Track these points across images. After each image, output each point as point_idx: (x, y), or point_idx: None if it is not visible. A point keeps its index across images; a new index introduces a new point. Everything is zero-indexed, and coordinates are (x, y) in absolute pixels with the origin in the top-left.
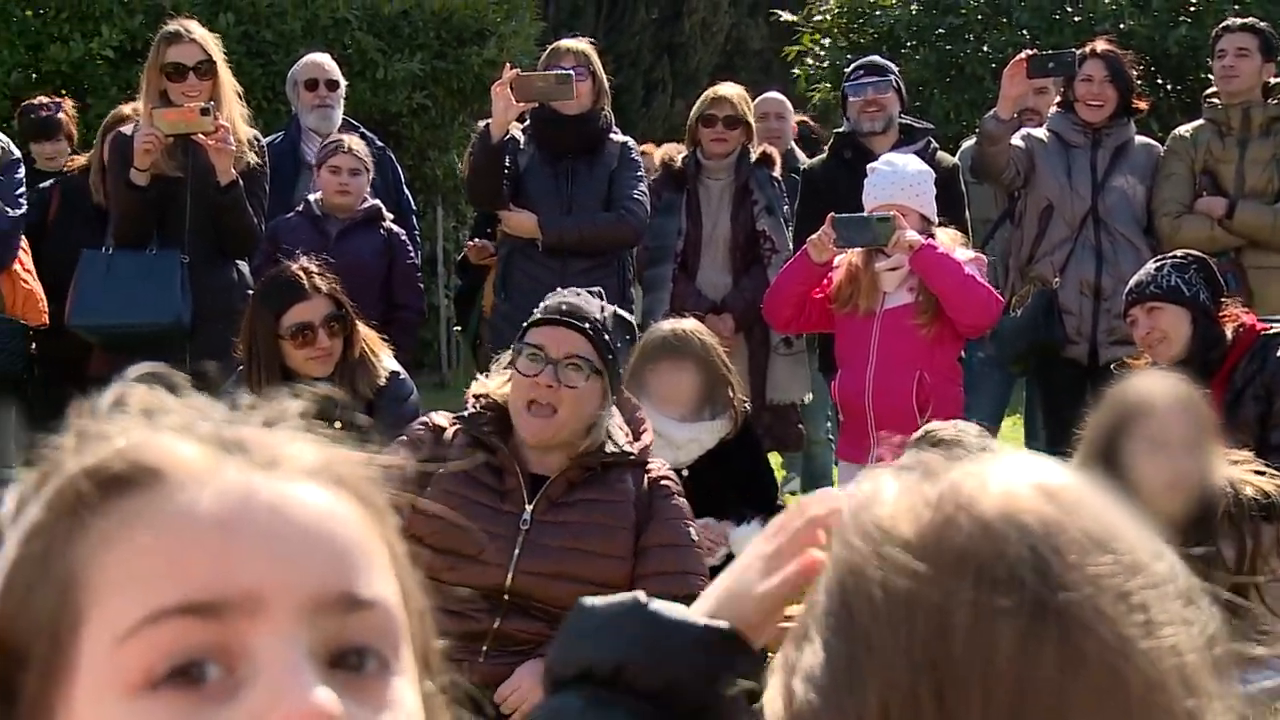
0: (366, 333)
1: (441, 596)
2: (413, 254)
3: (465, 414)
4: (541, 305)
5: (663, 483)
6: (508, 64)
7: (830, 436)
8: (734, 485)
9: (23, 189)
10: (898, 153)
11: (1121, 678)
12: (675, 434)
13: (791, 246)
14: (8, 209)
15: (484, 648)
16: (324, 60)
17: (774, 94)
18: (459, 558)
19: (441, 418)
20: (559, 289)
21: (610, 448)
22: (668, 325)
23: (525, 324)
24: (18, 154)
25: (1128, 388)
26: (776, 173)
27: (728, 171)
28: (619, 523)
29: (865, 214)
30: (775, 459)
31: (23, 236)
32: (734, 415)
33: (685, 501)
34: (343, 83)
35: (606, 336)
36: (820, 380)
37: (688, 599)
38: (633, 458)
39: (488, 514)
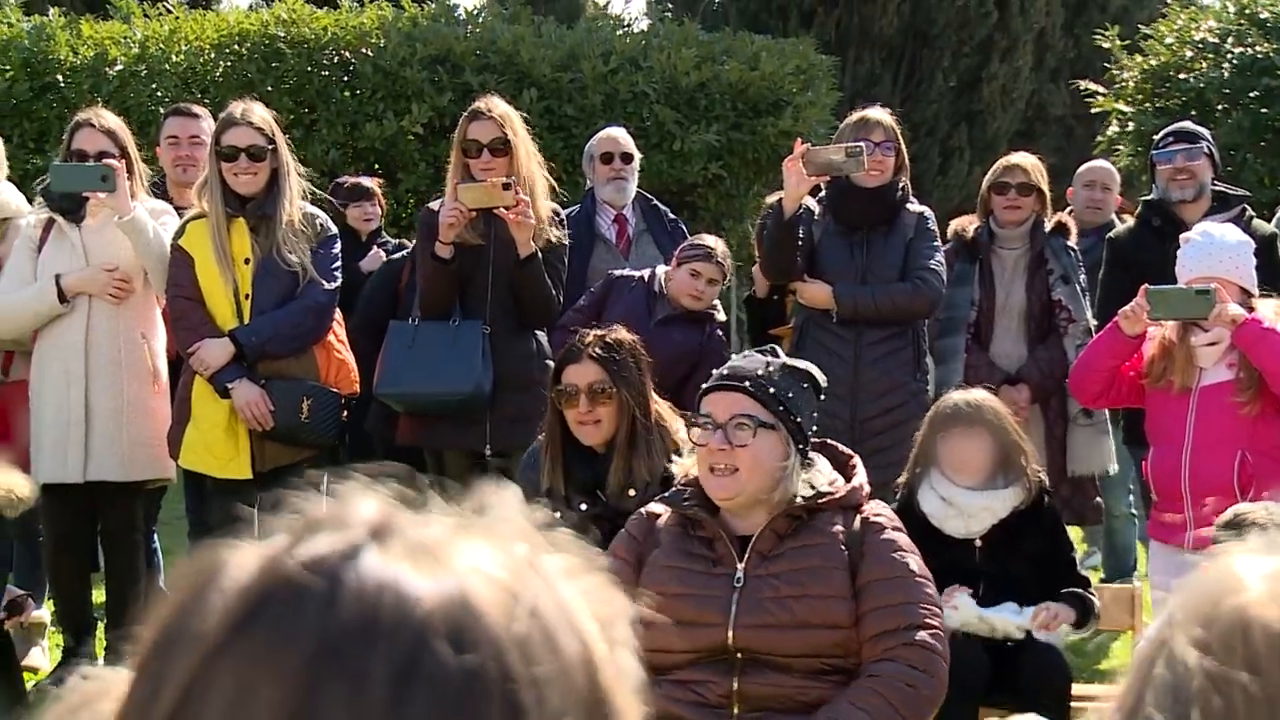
0: (661, 406)
1: (682, 670)
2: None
3: (669, 494)
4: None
5: (875, 520)
6: (799, 139)
7: (1134, 511)
8: (1030, 557)
9: (338, 263)
10: (1213, 221)
11: None
12: (966, 502)
13: (1091, 316)
14: (324, 282)
15: (734, 711)
16: (619, 134)
17: (1102, 163)
18: (683, 625)
19: (656, 505)
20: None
21: (808, 493)
22: (959, 395)
23: (698, 395)
24: (334, 229)
25: None
26: (1072, 241)
27: (1021, 240)
28: (832, 563)
29: (1183, 286)
30: (1076, 533)
31: (337, 308)
32: (1028, 485)
33: (903, 535)
34: (637, 155)
35: (771, 390)
36: (1125, 452)
37: (909, 629)
38: (837, 498)
39: (703, 579)
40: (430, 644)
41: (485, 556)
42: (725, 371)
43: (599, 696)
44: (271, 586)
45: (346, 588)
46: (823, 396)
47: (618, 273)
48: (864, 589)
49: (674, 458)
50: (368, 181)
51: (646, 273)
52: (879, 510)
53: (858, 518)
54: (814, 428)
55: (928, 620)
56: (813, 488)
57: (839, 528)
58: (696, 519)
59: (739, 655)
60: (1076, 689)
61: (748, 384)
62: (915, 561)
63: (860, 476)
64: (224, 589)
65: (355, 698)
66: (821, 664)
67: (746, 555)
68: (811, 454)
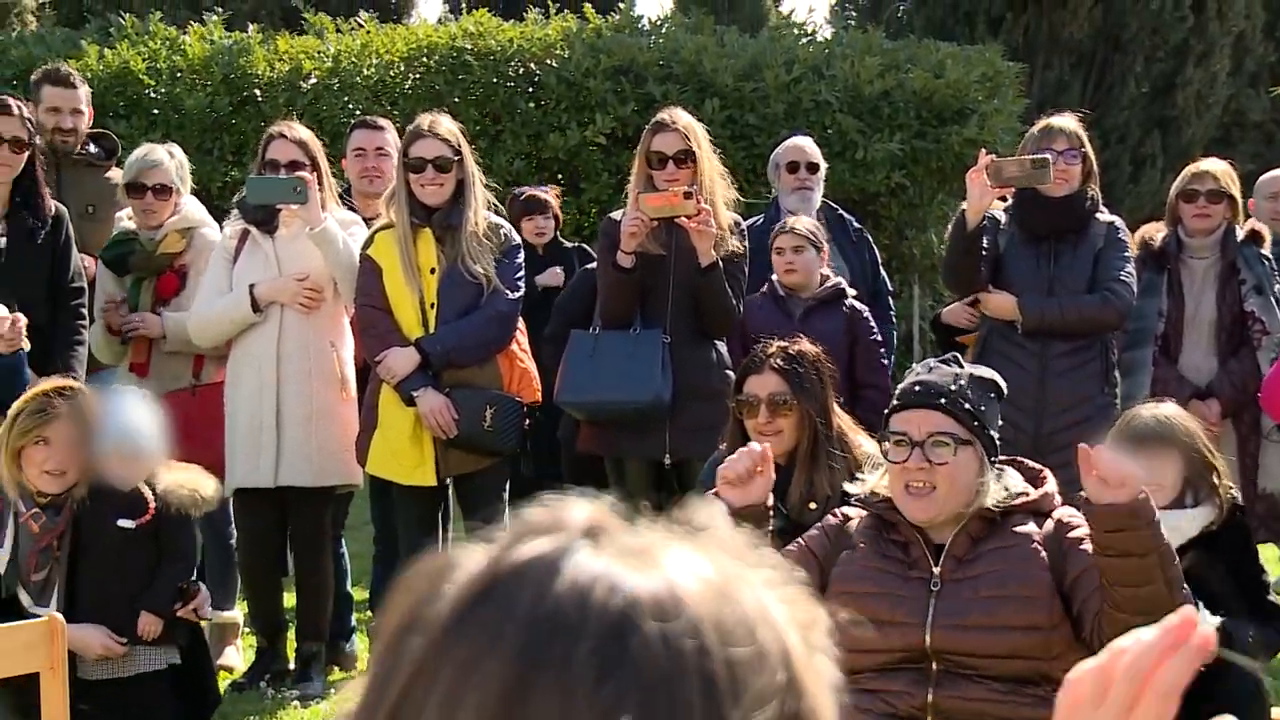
0: (844, 420)
1: (876, 679)
2: (875, 332)
3: (865, 496)
4: (898, 389)
5: (1069, 520)
6: (983, 149)
7: None
8: (1221, 578)
9: (521, 273)
10: None
11: None
12: None
13: None
14: (508, 292)
15: None
16: (805, 143)
17: None
18: (879, 624)
19: (852, 508)
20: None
21: (1001, 495)
22: (1147, 410)
23: (886, 411)
24: (518, 240)
25: None
26: (1266, 250)
27: (1212, 250)
28: (1031, 565)
29: None
30: (1275, 552)
31: (520, 318)
32: (1219, 504)
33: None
34: (823, 165)
35: (966, 405)
36: None
37: None
38: (1030, 501)
39: (898, 581)
40: (636, 625)
41: (692, 560)
42: (916, 388)
43: (796, 688)
44: (494, 576)
45: (561, 577)
46: (1004, 405)
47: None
48: (1076, 582)
49: (855, 475)
50: (543, 194)
51: (765, 286)
52: (1071, 512)
53: (1049, 521)
54: (998, 436)
55: None
56: (1006, 490)
57: (1032, 529)
58: (892, 521)
59: (934, 665)
60: (1277, 714)
61: (943, 401)
62: None
63: (1051, 485)
64: (455, 581)
65: (564, 674)
66: (1020, 668)
67: (942, 560)
68: (1002, 466)
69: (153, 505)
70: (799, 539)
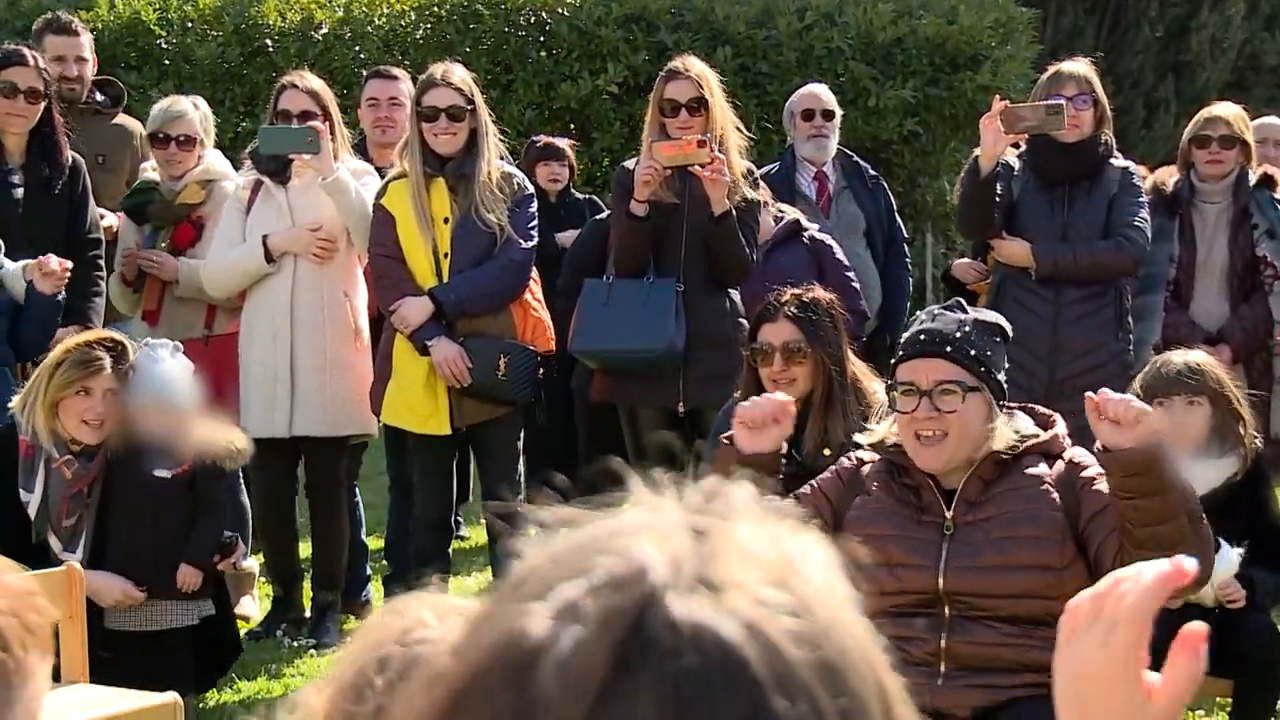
0: (858, 366)
1: (890, 624)
2: (841, 258)
3: (878, 442)
4: (903, 338)
5: (1079, 460)
6: (997, 95)
7: None
8: (1240, 525)
9: (535, 222)
10: None
11: None
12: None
13: None
14: (521, 241)
15: (941, 669)
16: (821, 91)
17: (1274, 119)
18: (892, 566)
19: (865, 452)
20: (926, 318)
21: (1012, 438)
22: (1179, 359)
23: (893, 361)
24: (531, 189)
25: None
26: (1279, 195)
27: (1224, 194)
28: (1043, 505)
29: None
30: None
31: (533, 267)
32: (1244, 453)
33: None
34: (838, 113)
35: (972, 351)
36: None
37: None
38: (1041, 442)
39: (912, 524)
40: (766, 698)
41: (759, 582)
42: (921, 337)
43: (885, 695)
44: (609, 655)
45: (676, 649)
46: (1018, 351)
47: None
48: (1091, 524)
49: (864, 426)
50: (561, 143)
51: None
52: (1082, 453)
53: (1059, 462)
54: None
55: None
56: (1017, 432)
57: (1044, 470)
58: (902, 465)
59: (948, 609)
60: None
61: (949, 349)
62: None
63: (1061, 427)
64: (560, 664)
65: None
66: (1033, 608)
67: (954, 503)
68: (1013, 410)
69: (190, 456)
70: (812, 482)
